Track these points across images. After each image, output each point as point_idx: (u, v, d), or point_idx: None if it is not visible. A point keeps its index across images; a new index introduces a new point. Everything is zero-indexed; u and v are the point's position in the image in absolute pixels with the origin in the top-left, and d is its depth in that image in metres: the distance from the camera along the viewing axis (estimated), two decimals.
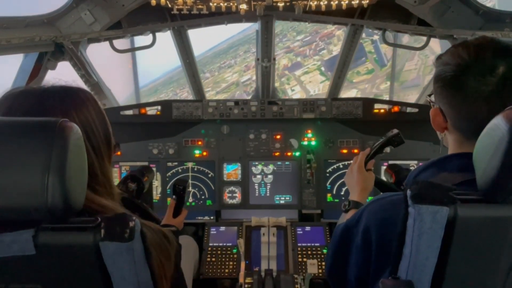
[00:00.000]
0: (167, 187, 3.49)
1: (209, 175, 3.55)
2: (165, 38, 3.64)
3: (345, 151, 3.49)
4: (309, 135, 3.52)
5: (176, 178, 3.41)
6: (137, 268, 1.13)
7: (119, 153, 3.46)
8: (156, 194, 3.50)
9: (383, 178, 3.43)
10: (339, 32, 13.15)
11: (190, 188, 3.52)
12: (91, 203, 1.24)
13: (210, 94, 12.64)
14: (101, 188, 1.35)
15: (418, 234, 1.13)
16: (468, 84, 1.33)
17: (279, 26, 14.10)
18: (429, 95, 1.57)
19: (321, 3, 2.78)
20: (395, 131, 2.32)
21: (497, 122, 1.11)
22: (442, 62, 1.43)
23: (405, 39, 6.68)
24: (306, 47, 14.39)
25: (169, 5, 2.82)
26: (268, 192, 3.55)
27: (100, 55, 3.72)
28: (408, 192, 1.15)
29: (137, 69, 10.83)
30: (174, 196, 2.68)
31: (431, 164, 1.43)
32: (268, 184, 3.55)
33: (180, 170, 3.53)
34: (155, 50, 3.61)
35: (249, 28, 14.44)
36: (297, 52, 14.56)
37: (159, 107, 3.51)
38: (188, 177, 3.52)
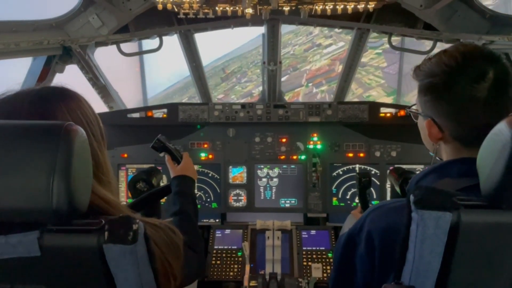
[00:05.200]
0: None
1: (215, 178, 3.56)
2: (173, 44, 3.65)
3: (351, 155, 3.48)
4: (315, 138, 3.51)
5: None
6: (141, 270, 1.14)
7: (125, 155, 3.49)
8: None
9: (388, 182, 3.43)
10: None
11: (196, 190, 3.52)
12: (96, 197, 1.25)
13: None
14: (105, 177, 1.38)
15: (421, 239, 1.12)
16: (462, 93, 1.31)
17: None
18: (409, 107, 1.55)
19: (327, 7, 2.79)
20: (356, 176, 2.53)
21: (501, 128, 1.10)
22: (426, 73, 1.40)
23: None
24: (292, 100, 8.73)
25: (176, 9, 2.85)
26: (273, 196, 3.55)
27: (107, 58, 3.76)
28: (411, 197, 1.14)
29: (145, 72, 10.87)
30: (161, 154, 2.66)
31: (431, 171, 1.42)
32: (273, 187, 3.55)
33: None
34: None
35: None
36: None
37: (165, 110, 3.53)
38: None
